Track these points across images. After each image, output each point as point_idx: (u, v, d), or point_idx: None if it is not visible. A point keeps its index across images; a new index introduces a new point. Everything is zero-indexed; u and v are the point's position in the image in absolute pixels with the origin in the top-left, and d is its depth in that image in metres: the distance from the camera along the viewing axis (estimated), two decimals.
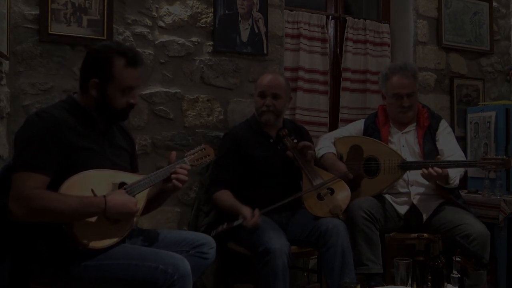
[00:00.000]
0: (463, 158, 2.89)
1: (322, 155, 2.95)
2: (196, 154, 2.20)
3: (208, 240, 2.14)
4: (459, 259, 2.18)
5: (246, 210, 2.49)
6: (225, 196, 2.65)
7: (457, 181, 2.76)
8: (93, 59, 1.95)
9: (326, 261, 2.50)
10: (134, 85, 1.97)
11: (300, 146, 2.71)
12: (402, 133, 2.96)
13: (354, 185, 2.82)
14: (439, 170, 2.62)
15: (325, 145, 3.02)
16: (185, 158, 2.15)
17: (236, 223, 2.45)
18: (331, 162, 2.90)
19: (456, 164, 2.70)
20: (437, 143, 2.90)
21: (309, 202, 2.63)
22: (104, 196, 1.81)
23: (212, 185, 2.75)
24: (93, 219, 1.80)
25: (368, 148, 2.89)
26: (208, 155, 2.23)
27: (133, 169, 2.17)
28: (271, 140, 2.79)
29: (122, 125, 2.19)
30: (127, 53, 1.95)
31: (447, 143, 2.90)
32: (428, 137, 2.90)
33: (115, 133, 2.10)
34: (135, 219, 1.94)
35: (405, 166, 2.78)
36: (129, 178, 1.97)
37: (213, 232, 2.44)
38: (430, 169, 2.63)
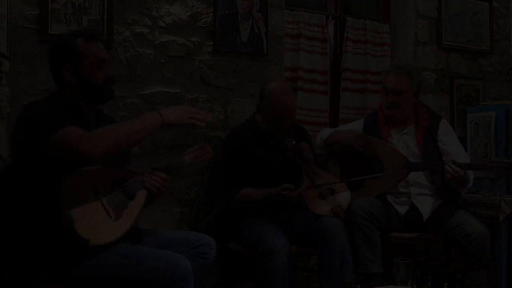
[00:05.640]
0: (467, 159, 2.88)
1: (328, 135, 2.96)
2: (195, 152, 2.21)
3: (208, 241, 2.14)
4: (459, 259, 2.19)
5: (288, 184, 2.51)
6: (252, 190, 2.63)
7: (471, 183, 2.75)
8: (56, 49, 1.98)
9: (325, 261, 2.50)
10: (104, 56, 1.99)
11: (300, 147, 2.71)
12: (401, 134, 2.94)
13: (356, 185, 2.82)
14: (460, 170, 2.58)
15: (329, 132, 3.04)
16: (184, 156, 2.16)
17: (283, 192, 2.49)
18: (339, 136, 2.93)
19: (464, 166, 2.66)
20: (439, 143, 2.88)
21: (311, 200, 2.64)
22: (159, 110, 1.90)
23: (230, 186, 2.71)
24: (95, 215, 1.79)
25: (371, 148, 2.89)
26: (207, 153, 2.25)
27: (127, 155, 2.18)
28: (271, 142, 2.79)
29: (110, 117, 2.23)
30: (82, 32, 2.03)
31: (450, 143, 2.89)
32: (428, 138, 2.88)
33: (105, 123, 2.10)
34: (135, 217, 1.94)
35: (410, 167, 2.77)
36: (130, 175, 1.97)
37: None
38: (450, 167, 2.58)
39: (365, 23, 3.81)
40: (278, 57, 3.40)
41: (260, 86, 2.99)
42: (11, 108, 2.65)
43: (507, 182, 3.40)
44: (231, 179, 2.71)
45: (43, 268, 1.82)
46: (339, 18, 3.83)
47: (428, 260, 2.46)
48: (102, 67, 1.98)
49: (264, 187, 2.66)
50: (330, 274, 2.46)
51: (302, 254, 2.80)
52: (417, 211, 2.79)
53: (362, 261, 2.59)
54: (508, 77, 4.26)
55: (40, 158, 1.77)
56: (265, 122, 2.75)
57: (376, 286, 2.39)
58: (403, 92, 2.86)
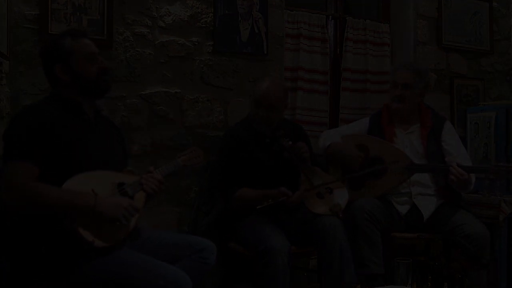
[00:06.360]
0: (469, 161, 2.87)
1: (329, 145, 2.95)
2: (187, 155, 2.30)
3: (209, 246, 2.13)
4: (459, 259, 2.19)
5: (285, 189, 2.52)
6: (250, 191, 2.64)
7: (472, 186, 2.76)
8: (46, 52, 2.01)
9: (324, 259, 2.50)
10: (93, 50, 2.01)
11: (296, 147, 2.70)
12: (406, 133, 2.95)
13: (357, 185, 2.82)
14: (464, 173, 2.59)
15: (331, 138, 3.01)
16: (178, 159, 2.24)
17: (280, 199, 2.50)
18: (340, 147, 2.91)
19: (468, 169, 2.66)
20: (443, 143, 2.89)
21: (309, 200, 2.64)
22: (96, 194, 1.81)
23: (228, 186, 2.71)
24: (97, 218, 1.78)
25: (374, 148, 2.88)
26: (199, 156, 2.34)
27: (125, 157, 2.19)
28: (267, 140, 2.78)
29: (108, 117, 2.24)
30: (68, 32, 2.03)
31: (453, 144, 2.89)
32: (432, 138, 2.89)
33: (103, 123, 2.12)
34: (136, 216, 1.94)
35: (413, 168, 2.77)
36: (128, 178, 1.98)
37: (258, 206, 2.48)
38: (455, 170, 2.60)
39: (365, 23, 3.81)
40: (278, 57, 3.40)
41: None
42: (11, 108, 2.65)
43: (507, 182, 3.40)
44: (229, 178, 2.70)
45: (41, 272, 1.80)
46: (339, 18, 3.83)
47: (428, 260, 2.46)
48: (93, 60, 1.99)
49: (261, 186, 2.65)
50: (330, 273, 2.46)
51: (302, 254, 2.80)
52: (418, 211, 2.78)
53: (363, 262, 2.59)
54: (508, 77, 4.25)
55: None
56: (252, 113, 2.76)
57: (377, 287, 2.39)
58: (411, 87, 2.89)
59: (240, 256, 2.66)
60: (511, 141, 3.47)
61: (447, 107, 3.97)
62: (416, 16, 3.88)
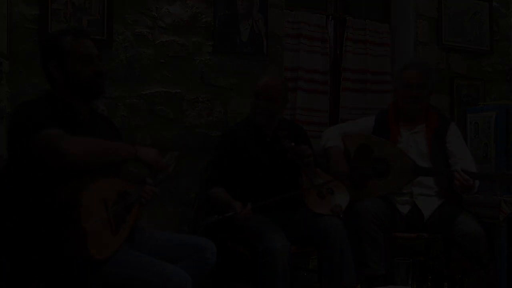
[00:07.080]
0: (473, 164, 2.87)
1: (329, 148, 2.94)
2: (173, 163, 2.18)
3: (210, 245, 2.13)
4: (459, 259, 2.19)
5: (236, 203, 2.50)
6: (218, 193, 2.66)
7: (476, 190, 2.77)
8: (45, 47, 2.00)
9: (324, 259, 2.51)
10: (90, 52, 1.97)
11: (299, 149, 2.70)
12: (411, 133, 2.94)
13: (359, 185, 2.82)
14: (469, 179, 2.60)
15: (333, 137, 2.99)
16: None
17: (227, 214, 2.46)
18: (336, 158, 2.89)
19: (472, 175, 2.67)
20: (447, 144, 2.89)
21: (310, 199, 2.64)
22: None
23: (208, 183, 2.77)
24: (101, 230, 1.75)
25: (378, 148, 2.88)
26: (176, 161, 2.23)
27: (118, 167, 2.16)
28: (268, 140, 2.78)
29: (106, 116, 2.24)
30: (70, 30, 2.02)
31: (458, 146, 2.90)
32: (437, 139, 2.89)
33: (99, 123, 2.10)
34: (130, 229, 1.92)
35: (417, 171, 2.77)
36: (131, 187, 1.96)
37: (203, 222, 2.47)
38: (460, 176, 2.60)
39: (365, 23, 3.81)
40: (278, 57, 3.40)
41: None
42: (11, 108, 2.64)
43: None
44: (216, 175, 2.72)
45: (41, 272, 1.79)
46: (339, 18, 3.83)
47: (428, 260, 2.46)
48: (88, 62, 1.95)
49: (261, 186, 2.68)
50: (330, 273, 2.47)
51: (302, 254, 2.80)
52: (418, 211, 2.79)
53: (366, 263, 2.60)
54: (508, 77, 4.25)
55: (29, 159, 1.75)
56: (253, 107, 2.76)
57: (377, 286, 2.39)
58: (425, 86, 2.89)
59: (240, 256, 2.66)
60: (511, 141, 3.47)
61: (447, 107, 3.97)
62: (416, 16, 3.87)
